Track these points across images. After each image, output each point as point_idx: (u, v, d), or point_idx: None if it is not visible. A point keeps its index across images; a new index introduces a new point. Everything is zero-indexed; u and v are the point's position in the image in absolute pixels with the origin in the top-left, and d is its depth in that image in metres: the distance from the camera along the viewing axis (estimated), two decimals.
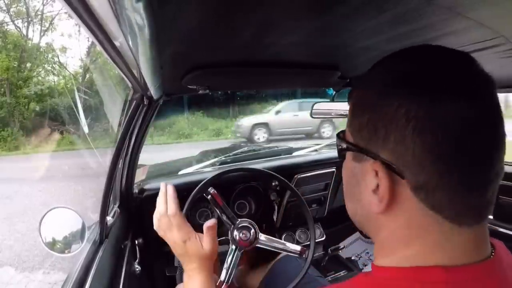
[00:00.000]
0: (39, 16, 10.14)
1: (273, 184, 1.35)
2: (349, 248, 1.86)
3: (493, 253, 0.33)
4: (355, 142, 0.35)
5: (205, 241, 0.76)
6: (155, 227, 0.78)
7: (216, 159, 1.68)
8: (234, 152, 1.78)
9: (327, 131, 8.24)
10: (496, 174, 0.30)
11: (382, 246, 0.36)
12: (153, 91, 0.77)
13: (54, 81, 10.73)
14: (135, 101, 0.81)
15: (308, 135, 8.26)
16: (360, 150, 0.34)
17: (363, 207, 0.36)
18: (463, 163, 0.29)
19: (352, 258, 1.80)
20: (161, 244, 1.36)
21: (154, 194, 1.27)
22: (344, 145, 0.38)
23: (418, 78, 0.31)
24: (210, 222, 0.78)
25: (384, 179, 0.32)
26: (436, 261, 0.31)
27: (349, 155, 0.38)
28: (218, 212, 1.12)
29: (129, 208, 1.18)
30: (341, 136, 0.39)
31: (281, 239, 1.40)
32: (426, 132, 0.29)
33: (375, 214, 0.34)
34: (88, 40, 10.10)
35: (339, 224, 1.87)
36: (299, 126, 8.03)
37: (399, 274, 0.32)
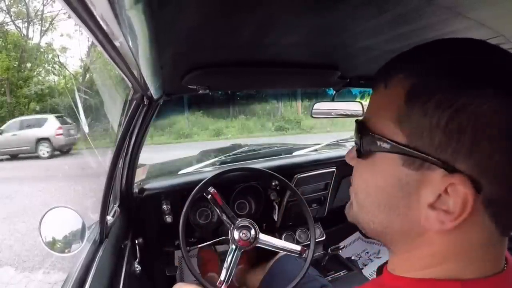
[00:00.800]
0: (39, 16, 10.15)
1: (273, 183, 1.35)
2: (349, 248, 1.86)
3: (506, 265, 0.31)
4: (413, 145, 0.28)
5: None
6: None
7: (216, 159, 1.68)
8: (234, 152, 1.78)
9: (45, 151, 7.80)
10: None
11: (409, 259, 0.32)
12: (153, 91, 0.77)
13: (54, 81, 10.75)
14: (135, 101, 0.81)
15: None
16: (425, 158, 0.27)
17: (408, 222, 0.30)
18: None
19: (352, 258, 1.80)
20: (161, 244, 1.37)
21: (154, 193, 1.28)
22: (387, 145, 0.30)
23: (503, 74, 0.26)
24: None
25: (460, 195, 0.26)
26: (452, 274, 0.29)
27: (394, 158, 0.30)
28: (218, 211, 1.12)
29: (129, 208, 1.18)
30: (374, 130, 0.32)
31: (281, 238, 1.40)
32: None
33: (427, 231, 0.29)
34: (88, 40, 10.11)
35: (339, 223, 1.87)
36: (16, 146, 7.70)
37: (413, 285, 0.31)
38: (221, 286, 1.02)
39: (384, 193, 0.32)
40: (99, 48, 0.38)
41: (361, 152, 0.34)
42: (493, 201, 0.26)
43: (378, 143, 0.31)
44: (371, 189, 0.33)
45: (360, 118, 0.36)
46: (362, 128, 0.33)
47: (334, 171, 1.54)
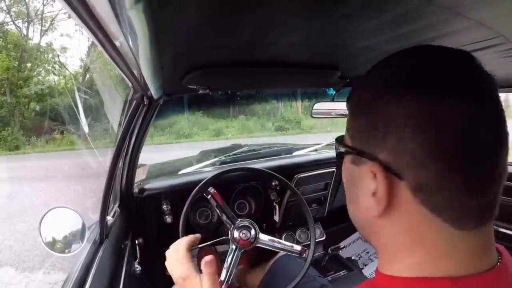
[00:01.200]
0: (39, 16, 10.15)
1: (273, 183, 1.35)
2: (349, 247, 1.86)
3: (499, 260, 0.32)
4: (353, 145, 0.35)
5: (204, 283, 0.68)
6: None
7: (216, 159, 1.68)
8: (234, 152, 1.78)
9: None
10: (499, 175, 0.29)
11: (384, 252, 0.35)
12: (153, 91, 0.77)
13: (55, 81, 10.73)
14: (135, 101, 0.81)
15: None
16: (358, 153, 0.33)
17: (362, 211, 0.35)
18: (464, 163, 0.28)
19: (352, 257, 1.80)
20: (161, 244, 1.37)
21: (154, 193, 1.28)
22: (343, 149, 0.37)
23: (419, 77, 0.30)
24: (208, 258, 0.70)
25: (382, 181, 0.31)
26: (443, 272, 0.30)
27: (347, 158, 0.37)
28: (218, 211, 1.12)
29: (129, 208, 1.18)
30: (339, 140, 0.38)
31: (281, 239, 1.40)
32: (427, 131, 0.28)
33: (373, 218, 0.33)
34: (88, 40, 10.11)
35: (339, 223, 1.87)
36: None
37: (404, 284, 0.31)
38: (221, 286, 1.02)
39: (347, 188, 0.39)
40: (99, 48, 0.38)
41: (338, 158, 0.40)
42: (418, 188, 0.29)
43: (339, 148, 0.38)
44: (344, 187, 0.40)
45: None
46: (340, 137, 0.40)
47: (334, 171, 1.54)
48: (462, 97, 0.28)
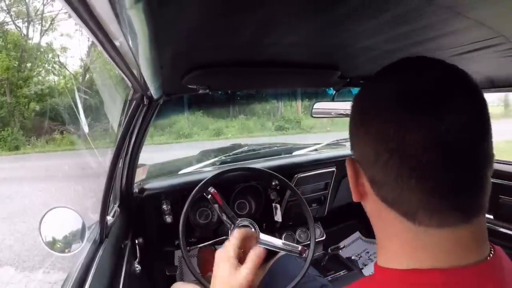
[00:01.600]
0: (39, 16, 10.14)
1: (273, 183, 1.35)
2: (349, 247, 1.87)
3: (491, 254, 0.32)
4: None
5: (244, 271, 0.58)
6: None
7: (216, 159, 1.68)
8: (234, 151, 1.78)
9: None
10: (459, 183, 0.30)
11: (377, 240, 0.38)
12: (153, 91, 0.77)
13: (54, 81, 10.73)
14: (135, 101, 0.81)
15: None
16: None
17: (352, 194, 0.40)
18: (404, 162, 0.30)
19: (352, 257, 1.81)
20: (161, 244, 1.37)
21: (154, 193, 1.28)
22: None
23: (386, 93, 0.33)
24: (259, 251, 0.61)
25: (351, 171, 0.37)
26: (433, 264, 0.31)
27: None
28: (218, 211, 1.12)
29: (129, 208, 1.18)
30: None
31: (281, 238, 1.40)
32: (383, 131, 0.31)
33: (357, 201, 0.39)
34: (88, 40, 10.10)
35: (339, 223, 1.87)
36: None
37: (396, 276, 0.33)
38: None
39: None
40: (99, 48, 0.38)
41: None
42: (374, 180, 0.33)
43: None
44: None
45: None
46: None
47: (334, 170, 1.54)
48: (426, 113, 0.30)
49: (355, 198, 0.38)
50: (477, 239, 0.32)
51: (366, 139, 0.33)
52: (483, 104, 0.31)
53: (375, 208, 0.36)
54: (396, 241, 0.34)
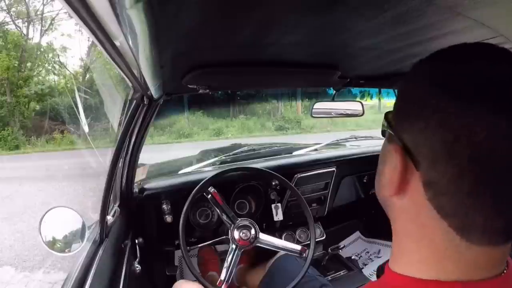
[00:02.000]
0: (40, 16, 10.14)
1: (273, 183, 1.35)
2: (349, 247, 1.86)
3: (506, 269, 0.31)
4: (392, 123, 0.34)
5: None
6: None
7: (216, 159, 1.68)
8: (234, 151, 1.78)
9: None
10: None
11: (396, 240, 0.36)
12: (153, 91, 0.77)
13: (55, 81, 10.73)
14: (135, 101, 0.81)
15: None
16: (392, 130, 0.33)
17: (381, 186, 0.36)
18: (482, 175, 0.26)
19: (352, 257, 1.80)
20: (161, 244, 1.37)
21: (154, 193, 1.28)
22: (385, 124, 0.36)
23: (459, 82, 0.28)
24: None
25: (400, 163, 0.31)
26: (452, 276, 0.30)
27: (387, 134, 0.36)
28: (218, 211, 1.12)
29: (129, 208, 1.18)
30: (387, 115, 0.37)
31: (281, 238, 1.40)
32: (450, 129, 0.27)
33: (390, 197, 0.34)
34: (88, 40, 10.10)
35: (339, 223, 1.87)
36: None
37: (414, 285, 0.31)
38: (221, 286, 1.03)
39: (379, 162, 0.38)
40: (99, 47, 0.38)
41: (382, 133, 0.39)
42: (429, 184, 0.29)
43: (384, 123, 0.37)
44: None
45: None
46: (388, 113, 0.39)
47: (334, 170, 1.54)
48: (499, 114, 0.26)
49: (390, 192, 0.33)
50: (503, 259, 0.31)
51: (436, 126, 0.28)
52: None
53: (415, 210, 0.32)
54: (428, 250, 0.31)
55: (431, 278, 0.31)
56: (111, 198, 0.94)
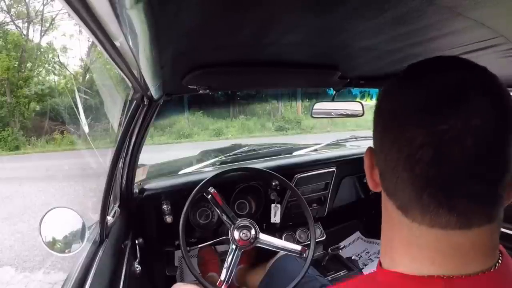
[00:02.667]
0: (40, 16, 10.15)
1: (273, 183, 1.35)
2: (349, 247, 1.86)
3: (499, 261, 0.31)
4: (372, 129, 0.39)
5: None
6: None
7: (216, 159, 1.68)
8: (234, 152, 1.78)
9: None
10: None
11: (382, 234, 0.38)
12: (153, 91, 0.77)
13: (55, 81, 10.73)
14: (135, 101, 0.81)
15: None
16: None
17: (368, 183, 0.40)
18: (406, 151, 0.30)
19: (352, 257, 1.80)
20: (161, 244, 1.37)
21: (154, 193, 1.28)
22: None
23: (406, 94, 0.33)
24: None
25: (367, 160, 0.37)
26: (436, 270, 0.30)
27: None
28: (218, 211, 1.12)
29: (130, 208, 1.18)
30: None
31: (281, 238, 1.40)
32: (397, 135, 0.31)
33: (373, 190, 0.38)
34: (89, 40, 10.11)
35: (339, 223, 1.87)
36: None
37: (399, 281, 0.33)
38: (221, 286, 1.03)
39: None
40: (99, 48, 0.38)
41: None
42: (381, 173, 0.35)
43: None
44: None
45: None
46: None
47: (334, 171, 1.54)
48: (437, 114, 0.29)
49: (370, 187, 0.38)
50: (479, 248, 0.31)
51: (387, 123, 0.34)
52: (507, 107, 0.29)
53: (383, 199, 0.36)
54: (396, 236, 0.34)
55: (412, 272, 0.32)
56: (111, 198, 0.94)
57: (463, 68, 0.32)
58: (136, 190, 1.27)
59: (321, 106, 1.37)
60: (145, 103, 0.85)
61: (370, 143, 0.38)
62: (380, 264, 0.37)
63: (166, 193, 1.28)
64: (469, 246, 0.30)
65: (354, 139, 1.87)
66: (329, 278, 1.58)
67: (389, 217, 0.35)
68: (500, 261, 0.31)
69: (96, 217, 0.86)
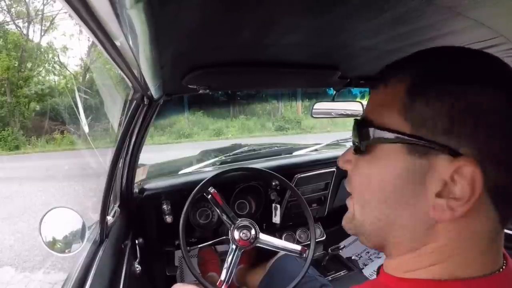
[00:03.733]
0: (40, 16, 10.14)
1: (273, 183, 1.35)
2: (349, 247, 1.86)
3: (505, 263, 0.31)
4: (418, 134, 0.29)
5: None
6: None
7: (216, 159, 1.68)
8: (234, 152, 1.78)
9: None
10: None
11: (411, 259, 0.32)
12: (153, 91, 0.77)
13: (55, 81, 10.73)
14: (135, 101, 0.81)
15: None
16: (430, 144, 0.28)
17: (417, 214, 0.30)
18: None
19: (352, 257, 1.80)
20: (162, 244, 1.37)
21: (154, 193, 1.28)
22: (391, 135, 0.30)
23: (498, 73, 0.29)
24: None
25: (468, 178, 0.27)
26: (453, 274, 0.29)
27: (399, 148, 0.30)
28: (218, 211, 1.12)
29: (130, 208, 1.18)
30: (376, 122, 0.32)
31: (281, 238, 1.40)
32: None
33: (436, 224, 0.30)
34: (89, 40, 10.11)
35: (340, 223, 1.86)
36: None
37: (414, 287, 0.31)
38: (221, 286, 1.03)
39: (390, 185, 0.31)
40: (100, 47, 0.38)
41: (362, 148, 0.34)
42: (497, 189, 0.27)
43: (382, 134, 0.31)
44: (375, 184, 0.33)
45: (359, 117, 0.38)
46: (362, 123, 0.34)
47: (334, 171, 1.54)
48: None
49: (450, 217, 0.28)
50: (502, 247, 0.31)
51: (500, 130, 0.27)
52: None
53: (478, 226, 0.29)
54: (462, 255, 0.30)
55: (429, 277, 0.30)
56: (111, 198, 0.94)
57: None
58: (136, 190, 1.27)
59: (321, 106, 1.37)
60: (145, 103, 0.85)
61: None
62: (383, 271, 0.35)
63: (166, 193, 1.28)
64: (500, 246, 0.31)
65: (352, 139, 1.86)
66: (329, 278, 1.58)
67: (481, 235, 0.29)
68: (505, 261, 0.31)
69: (96, 217, 0.86)
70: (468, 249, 0.29)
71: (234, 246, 1.07)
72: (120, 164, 1.04)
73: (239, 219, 1.10)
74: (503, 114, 0.27)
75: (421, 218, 0.30)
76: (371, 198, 0.34)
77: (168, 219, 1.25)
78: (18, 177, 5.83)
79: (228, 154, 1.73)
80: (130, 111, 0.83)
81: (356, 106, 1.35)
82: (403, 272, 0.32)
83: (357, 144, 0.35)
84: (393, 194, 0.31)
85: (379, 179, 0.32)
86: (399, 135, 0.30)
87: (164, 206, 1.25)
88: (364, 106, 1.35)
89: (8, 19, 9.90)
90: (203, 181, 1.11)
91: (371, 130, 0.33)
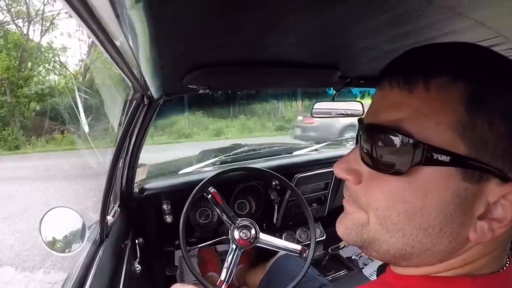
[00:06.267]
0: (40, 16, 10.14)
1: (274, 183, 1.35)
2: (349, 247, 1.86)
3: (508, 260, 0.31)
4: (475, 157, 0.26)
5: None
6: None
7: (216, 159, 1.68)
8: (234, 151, 1.78)
9: None
10: None
11: (433, 268, 0.31)
12: (153, 91, 0.77)
13: (55, 81, 10.73)
14: (135, 101, 0.81)
15: None
16: (488, 169, 0.26)
17: (457, 239, 0.28)
18: None
19: (353, 257, 1.80)
20: (162, 244, 1.37)
21: (154, 193, 1.28)
22: (446, 158, 0.26)
23: None
24: None
25: (511, 202, 0.26)
26: (463, 271, 0.30)
27: (452, 172, 0.27)
28: (218, 211, 1.12)
29: (130, 208, 1.18)
30: (423, 139, 0.27)
31: (281, 238, 1.40)
32: None
33: (472, 244, 0.29)
34: (89, 40, 10.10)
35: None
36: None
37: (422, 283, 0.31)
38: (221, 286, 1.03)
39: (436, 212, 0.28)
40: (100, 47, 0.38)
41: (397, 168, 0.28)
42: None
43: (433, 155, 0.26)
44: (416, 210, 0.28)
45: (374, 121, 0.31)
46: (395, 134, 0.28)
47: None
48: None
49: (495, 234, 0.27)
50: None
51: None
52: None
53: (508, 236, 0.30)
54: (473, 254, 0.30)
55: (438, 274, 0.31)
56: (111, 198, 0.94)
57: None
58: (136, 189, 1.27)
59: (321, 106, 1.37)
60: (145, 103, 0.85)
61: None
62: (390, 269, 0.35)
63: (166, 193, 1.28)
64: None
65: (355, 139, 1.86)
66: (329, 278, 1.58)
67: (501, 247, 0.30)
68: (508, 259, 0.32)
69: (96, 216, 0.86)
70: (490, 253, 0.29)
71: (234, 246, 1.07)
72: (120, 164, 1.04)
73: (239, 219, 1.10)
74: None
75: (460, 242, 0.28)
76: (408, 224, 0.29)
77: (168, 219, 1.25)
78: (18, 177, 5.83)
79: (228, 154, 1.73)
80: (130, 111, 0.83)
81: (356, 106, 1.35)
82: (408, 270, 0.33)
83: (384, 161, 0.29)
84: (438, 222, 0.28)
85: (422, 205, 0.28)
86: (455, 158, 0.26)
87: (164, 206, 1.25)
88: (365, 106, 1.35)
89: (8, 19, 9.90)
90: (203, 181, 1.11)
91: (415, 147, 0.27)
